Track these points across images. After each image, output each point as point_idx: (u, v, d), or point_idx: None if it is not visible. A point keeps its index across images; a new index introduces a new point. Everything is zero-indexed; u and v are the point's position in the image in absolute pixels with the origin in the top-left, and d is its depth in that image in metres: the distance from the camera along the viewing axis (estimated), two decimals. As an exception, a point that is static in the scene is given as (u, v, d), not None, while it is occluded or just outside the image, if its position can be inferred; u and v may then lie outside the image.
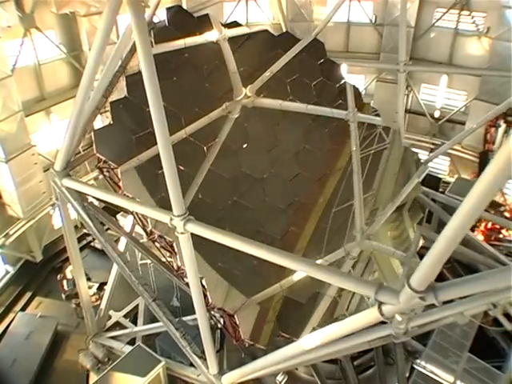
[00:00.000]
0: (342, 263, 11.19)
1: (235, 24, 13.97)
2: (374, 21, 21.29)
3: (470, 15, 19.29)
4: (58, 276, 15.72)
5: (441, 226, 14.27)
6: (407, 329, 6.17)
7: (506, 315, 7.99)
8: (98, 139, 10.11)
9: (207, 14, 13.27)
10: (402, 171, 14.31)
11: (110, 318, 13.82)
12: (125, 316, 14.32)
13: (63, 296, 15.36)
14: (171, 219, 7.06)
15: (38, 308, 15.11)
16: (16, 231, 15.17)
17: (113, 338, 12.76)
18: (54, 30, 16.37)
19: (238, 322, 9.40)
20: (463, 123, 20.21)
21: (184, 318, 12.15)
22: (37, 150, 15.32)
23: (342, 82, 15.08)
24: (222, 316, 9.85)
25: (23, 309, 14.99)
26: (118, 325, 13.90)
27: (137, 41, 6.01)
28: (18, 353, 13.07)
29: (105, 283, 14.26)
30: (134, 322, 14.09)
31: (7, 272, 16.02)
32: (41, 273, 16.45)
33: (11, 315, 14.58)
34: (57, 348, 13.71)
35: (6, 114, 13.88)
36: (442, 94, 21.10)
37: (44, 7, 15.27)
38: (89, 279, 14.64)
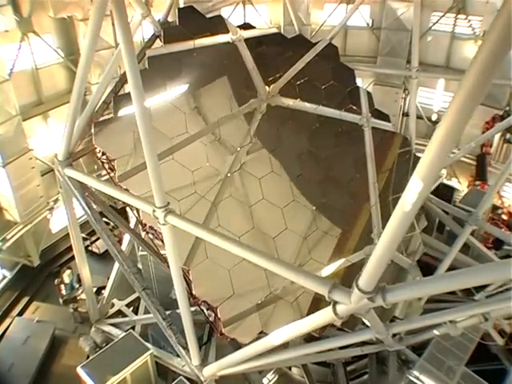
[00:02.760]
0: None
1: (248, 26, 14.05)
2: (371, 25, 21.36)
3: (466, 19, 19.36)
4: (56, 280, 15.67)
5: (451, 236, 14.32)
6: (390, 334, 6.13)
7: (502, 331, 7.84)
8: (97, 131, 10.39)
9: (220, 15, 13.37)
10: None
11: (113, 306, 14.17)
12: (128, 305, 14.57)
13: (61, 301, 15.34)
14: (154, 211, 7.43)
15: (36, 313, 15.00)
16: (13, 236, 15.10)
17: (113, 325, 13.01)
18: (51, 34, 16.39)
19: (219, 316, 9.59)
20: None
21: (178, 310, 12.17)
22: (34, 154, 15.31)
23: (353, 86, 15.18)
24: (211, 309, 9.95)
25: (20, 314, 14.91)
26: (120, 313, 14.27)
27: (120, 40, 6.29)
28: (16, 358, 12.99)
29: (103, 287, 14.30)
30: (137, 312, 14.26)
31: (4, 277, 15.97)
32: (38, 277, 16.38)
33: (8, 320, 14.47)
34: (54, 353, 13.64)
35: (3, 118, 13.87)
36: (439, 97, 21.15)
37: (41, 11, 15.30)
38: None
